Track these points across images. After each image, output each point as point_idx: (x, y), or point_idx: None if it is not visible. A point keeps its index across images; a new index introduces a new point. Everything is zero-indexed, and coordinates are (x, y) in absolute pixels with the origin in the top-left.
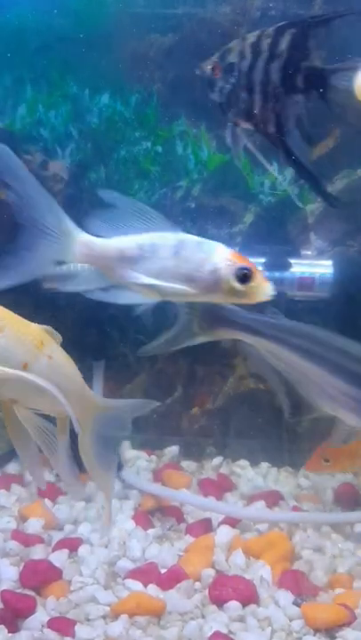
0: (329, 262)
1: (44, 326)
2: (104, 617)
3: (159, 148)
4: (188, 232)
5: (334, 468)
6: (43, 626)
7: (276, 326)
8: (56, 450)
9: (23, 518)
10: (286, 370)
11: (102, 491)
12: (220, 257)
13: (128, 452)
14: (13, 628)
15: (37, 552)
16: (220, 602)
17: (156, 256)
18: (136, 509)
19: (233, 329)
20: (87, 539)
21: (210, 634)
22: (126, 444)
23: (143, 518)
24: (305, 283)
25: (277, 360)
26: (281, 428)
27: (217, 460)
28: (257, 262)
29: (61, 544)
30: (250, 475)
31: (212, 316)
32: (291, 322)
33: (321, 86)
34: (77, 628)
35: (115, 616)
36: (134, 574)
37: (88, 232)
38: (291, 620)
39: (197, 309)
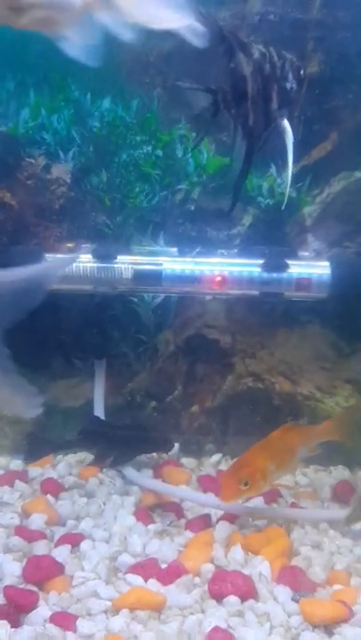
0: (326, 263)
1: None
2: (105, 612)
3: (159, 152)
4: (188, 234)
5: (252, 490)
6: (45, 620)
7: None
8: None
9: (26, 514)
10: None
11: None
12: None
13: None
14: (16, 623)
15: (40, 548)
16: (219, 597)
17: None
18: (137, 505)
19: None
20: (89, 534)
21: (209, 628)
22: None
23: (144, 514)
24: (303, 283)
25: None
26: (279, 426)
27: (216, 457)
28: (256, 263)
29: (64, 539)
30: None
31: None
32: None
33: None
34: (79, 622)
35: (116, 611)
36: (135, 569)
37: None
38: (289, 616)
39: None
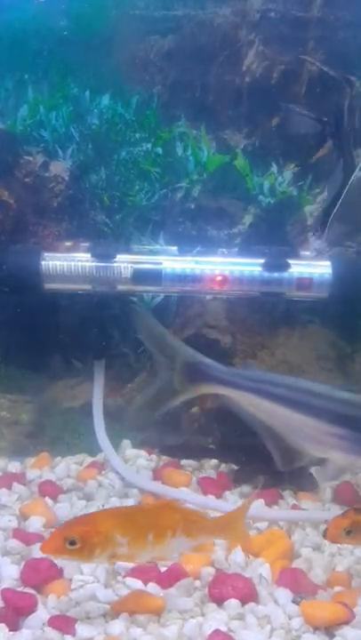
0: (328, 263)
1: None
2: (104, 615)
3: (159, 150)
4: (188, 233)
5: (77, 554)
6: (43, 624)
7: (254, 378)
8: None
9: (24, 517)
10: (271, 420)
11: None
12: None
13: (128, 450)
14: (14, 627)
15: (38, 550)
16: (219, 600)
17: None
18: None
19: (215, 384)
20: None
21: (210, 632)
22: (127, 443)
23: None
24: (303, 283)
25: (261, 411)
26: None
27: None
28: (256, 263)
29: None
30: None
31: (193, 371)
32: (268, 373)
33: None
34: (78, 626)
35: (115, 614)
36: (134, 572)
37: None
38: (290, 618)
39: (178, 364)
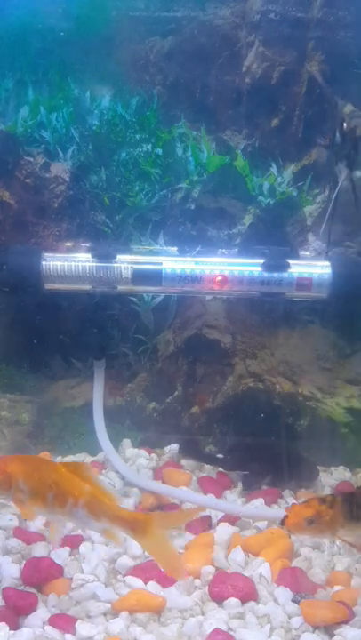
0: (327, 263)
1: None
2: (105, 614)
3: (159, 151)
4: (188, 233)
5: None
6: (44, 623)
7: None
8: None
9: None
10: None
11: None
12: None
13: (129, 450)
14: (15, 625)
15: (39, 549)
16: (219, 599)
17: None
18: (137, 507)
19: None
20: (88, 536)
21: (209, 630)
22: (127, 443)
23: None
24: (303, 283)
25: None
26: (279, 427)
27: None
28: (256, 263)
29: (63, 541)
30: None
31: None
32: None
33: None
34: (78, 624)
35: (115, 613)
36: (135, 571)
37: None
38: (290, 617)
39: None
